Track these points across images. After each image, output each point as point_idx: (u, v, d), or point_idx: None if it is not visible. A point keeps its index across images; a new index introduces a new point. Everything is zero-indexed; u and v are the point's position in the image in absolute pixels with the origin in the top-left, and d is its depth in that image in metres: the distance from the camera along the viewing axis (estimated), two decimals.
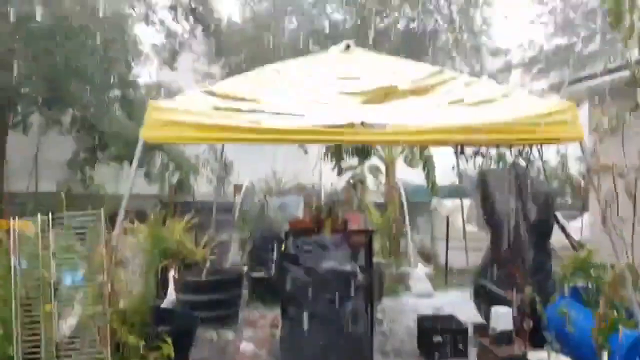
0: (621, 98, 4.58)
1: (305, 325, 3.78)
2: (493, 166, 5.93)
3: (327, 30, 17.12)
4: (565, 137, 3.73)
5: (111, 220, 3.77)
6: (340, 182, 8.92)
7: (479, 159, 6.01)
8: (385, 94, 4.53)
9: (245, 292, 6.41)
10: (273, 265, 5.78)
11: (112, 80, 11.75)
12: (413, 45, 18.21)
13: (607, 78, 5.75)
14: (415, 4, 18.28)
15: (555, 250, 5.07)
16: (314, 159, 9.19)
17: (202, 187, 12.16)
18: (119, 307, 3.68)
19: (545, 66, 19.98)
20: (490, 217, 5.33)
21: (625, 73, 4.21)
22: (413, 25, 18.32)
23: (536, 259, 4.75)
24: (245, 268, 6.86)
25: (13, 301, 3.37)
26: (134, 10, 13.16)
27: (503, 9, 18.33)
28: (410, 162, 8.45)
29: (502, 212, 5.11)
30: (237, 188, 9.64)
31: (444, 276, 7.75)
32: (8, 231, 3.45)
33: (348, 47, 5.43)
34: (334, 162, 8.60)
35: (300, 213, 8.53)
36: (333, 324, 3.85)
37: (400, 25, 18.61)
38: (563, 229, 5.39)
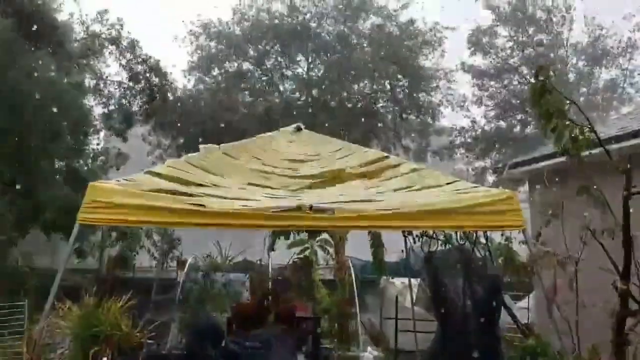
0: (560, 182, 4.85)
1: None
2: (440, 248, 6.02)
3: (280, 107, 17.66)
4: (507, 225, 3.87)
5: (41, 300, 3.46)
6: (289, 256, 8.75)
7: (426, 240, 6.08)
8: (334, 177, 4.61)
9: None
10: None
11: (59, 150, 11.43)
12: (361, 123, 19.07)
13: (544, 163, 6.12)
14: (364, 85, 19.40)
15: (502, 332, 5.07)
16: (261, 234, 9.04)
17: (144, 261, 11.60)
18: None
19: (486, 146, 21.30)
20: (438, 299, 5.31)
21: (562, 159, 4.44)
22: (361, 104, 19.29)
23: (485, 343, 4.71)
24: (185, 353, 6.40)
25: None
26: (84, 82, 13.12)
27: (447, 92, 19.71)
28: None
29: (450, 295, 5.11)
30: (181, 263, 9.24)
31: (394, 359, 7.54)
32: None
33: (299, 129, 5.56)
34: (281, 238, 8.47)
35: (246, 291, 8.23)
36: None
37: (350, 104, 19.53)
38: (510, 311, 5.44)
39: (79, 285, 8.65)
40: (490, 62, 21.05)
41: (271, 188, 4.31)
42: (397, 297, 7.65)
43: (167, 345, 6.66)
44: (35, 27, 11.17)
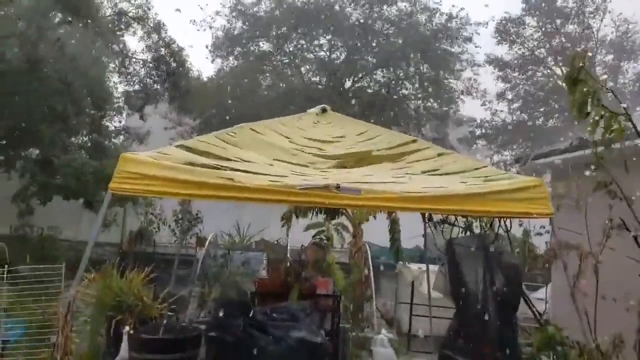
0: (583, 175, 4.80)
1: None
2: (460, 235, 6.03)
3: (301, 90, 17.64)
4: (535, 213, 3.83)
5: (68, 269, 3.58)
6: (306, 238, 8.83)
7: (447, 227, 6.09)
8: (360, 159, 4.63)
9: (202, 352, 6.07)
10: (236, 329, 5.50)
11: (82, 124, 11.66)
12: (382, 109, 18.96)
13: (569, 155, 6.04)
14: (387, 70, 19.21)
15: (519, 322, 5.09)
16: (279, 214, 9.12)
17: (164, 237, 11.82)
18: None
19: (508, 138, 21.04)
20: (456, 286, 5.34)
21: (587, 151, 4.40)
22: (384, 91, 19.15)
23: (503, 332, 4.73)
24: (203, 327, 6.55)
25: None
26: (110, 59, 13.27)
27: (469, 82, 19.42)
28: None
29: (469, 282, 5.13)
30: (200, 241, 9.39)
31: (407, 342, 7.61)
32: None
33: (325, 110, 5.56)
34: (300, 219, 8.54)
35: (263, 270, 8.33)
36: None
37: (372, 90, 19.40)
38: (527, 300, 5.44)
39: (101, 257, 8.90)
40: (516, 52, 20.65)
41: (298, 165, 4.35)
42: (413, 282, 7.69)
43: (186, 318, 6.82)
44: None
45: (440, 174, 4.20)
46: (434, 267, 6.78)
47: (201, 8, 19.89)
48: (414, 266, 8.61)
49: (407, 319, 7.77)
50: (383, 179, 4.11)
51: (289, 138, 4.91)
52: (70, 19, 11.09)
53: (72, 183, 10.42)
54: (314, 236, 8.58)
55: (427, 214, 6.36)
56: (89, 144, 12.47)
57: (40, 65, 10.35)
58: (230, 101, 16.35)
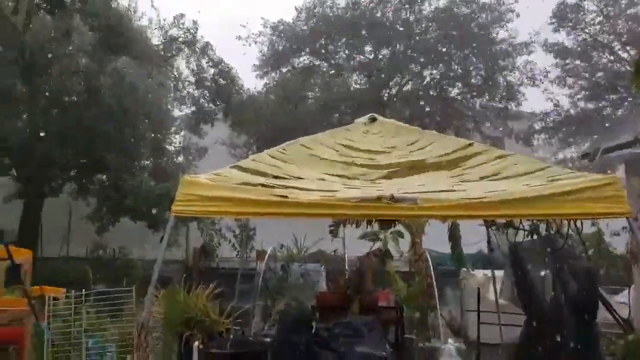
0: None
1: None
2: (526, 239, 5.76)
3: (347, 98, 17.62)
4: (611, 213, 3.57)
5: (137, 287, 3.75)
6: (362, 248, 8.75)
7: (511, 230, 5.83)
8: (413, 168, 4.54)
9: None
10: (299, 346, 5.52)
11: (142, 149, 12.30)
12: (434, 111, 18.52)
13: None
14: (435, 70, 18.77)
15: (599, 329, 4.77)
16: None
17: (225, 252, 12.17)
18: None
19: (573, 131, 19.74)
20: (524, 292, 5.09)
21: None
22: (432, 92, 18.74)
23: (581, 340, 4.45)
24: (268, 340, 6.65)
25: None
26: (164, 85, 13.92)
27: (527, 73, 18.42)
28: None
29: (538, 288, 4.88)
30: (260, 254, 9.56)
31: (476, 352, 7.34)
32: (42, 298, 3.47)
33: (374, 119, 5.51)
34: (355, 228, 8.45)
35: (322, 281, 8.33)
36: None
37: (421, 92, 19.04)
38: (607, 305, 5.10)
39: (167, 274, 9.27)
40: (577, 38, 19.36)
41: (349, 178, 4.33)
42: (478, 289, 7.42)
43: (251, 331, 6.95)
44: (117, 37, 12.04)
45: (501, 179, 4.03)
46: (499, 273, 6.52)
47: (243, 26, 20.43)
48: (479, 273, 8.31)
49: (475, 327, 7.50)
50: (439, 187, 4.00)
51: (338, 151, 4.90)
52: (117, 54, 11.80)
53: (140, 207, 11.14)
54: (371, 246, 8.49)
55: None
56: (151, 166, 13.10)
57: (100, 96, 11.04)
58: (278, 115, 16.61)
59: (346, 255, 8.87)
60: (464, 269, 8.69)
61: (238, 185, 3.98)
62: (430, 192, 3.85)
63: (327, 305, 4.56)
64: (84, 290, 3.36)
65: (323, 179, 4.28)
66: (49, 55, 11.06)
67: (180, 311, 5.91)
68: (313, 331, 3.81)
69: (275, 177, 4.17)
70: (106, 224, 11.99)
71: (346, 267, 8.04)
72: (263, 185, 4.00)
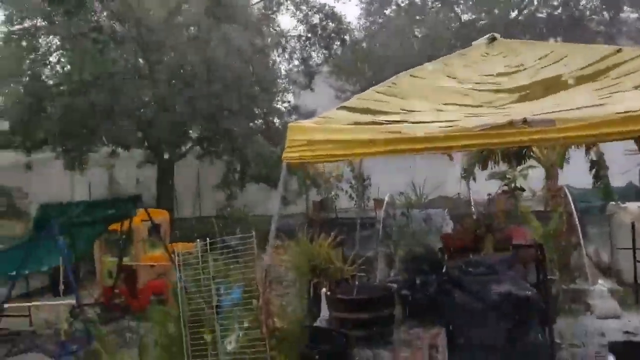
0: None
1: (478, 356, 3.32)
2: None
3: (459, 33, 16.30)
4: None
5: (261, 239, 3.83)
6: (487, 190, 8.14)
7: None
8: (548, 87, 3.93)
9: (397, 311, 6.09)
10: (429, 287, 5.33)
11: (255, 111, 12.75)
12: (562, 33, 16.37)
13: None
14: None
15: None
16: (456, 167, 8.58)
17: (343, 203, 12.31)
18: (275, 327, 3.65)
19: None
20: None
21: None
22: (557, 12, 16.54)
23: None
24: (395, 285, 6.57)
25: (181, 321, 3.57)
26: (269, 42, 14.06)
27: None
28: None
29: None
30: (378, 202, 9.46)
31: (633, 294, 6.53)
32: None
33: (494, 39, 4.89)
34: (479, 169, 7.86)
35: (446, 226, 7.97)
36: (510, 355, 3.33)
37: (543, 14, 16.94)
38: None
39: (290, 226, 9.65)
40: None
41: (472, 106, 3.89)
42: (633, 224, 6.50)
43: (377, 278, 6.94)
44: (220, 4, 12.31)
45: None
46: None
47: None
48: (632, 205, 7.27)
49: (630, 267, 6.63)
50: (582, 104, 3.40)
51: (456, 78, 4.43)
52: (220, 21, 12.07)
53: (262, 171, 11.79)
54: (500, 187, 7.84)
55: None
56: (264, 127, 13.53)
57: (213, 64, 11.51)
58: (384, 59, 15.96)
59: (471, 198, 8.35)
60: (613, 203, 7.66)
61: (346, 126, 3.79)
62: (571, 109, 3.29)
63: (454, 247, 4.26)
64: (207, 239, 3.48)
65: (440, 110, 3.90)
66: (162, 30, 11.73)
67: (306, 259, 6.07)
68: (443, 270, 3.57)
69: (386, 113, 3.89)
70: (234, 192, 12.90)
71: (472, 210, 7.55)
72: (373, 122, 3.75)
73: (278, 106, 14.74)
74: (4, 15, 10.82)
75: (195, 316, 3.60)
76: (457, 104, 3.98)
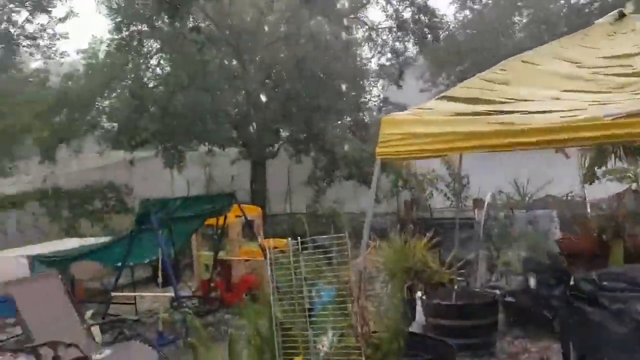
0: None
1: None
2: None
3: (569, 15, 14.86)
4: None
5: (352, 238, 3.62)
6: (600, 190, 7.20)
7: None
8: None
9: (501, 319, 5.59)
10: (553, 300, 4.72)
11: (344, 107, 12.61)
12: None
13: None
14: None
15: None
16: (565, 166, 7.71)
17: (438, 203, 11.74)
18: (370, 332, 3.43)
19: None
20: None
21: None
22: None
23: None
24: (498, 292, 6.04)
25: (273, 322, 3.48)
26: (358, 35, 13.82)
27: None
28: None
29: None
30: (477, 202, 8.84)
31: None
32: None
33: (622, 15, 4.23)
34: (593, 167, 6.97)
35: (554, 228, 7.22)
36: None
37: None
38: None
39: (381, 225, 9.34)
40: None
41: (597, 92, 3.36)
42: None
43: (477, 282, 6.44)
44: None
45: None
46: None
47: None
48: None
49: None
50: None
51: (576, 62, 3.88)
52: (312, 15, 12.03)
53: (352, 169, 11.67)
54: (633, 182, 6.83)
55: None
56: (352, 123, 13.34)
57: (302, 62, 11.54)
58: (480, 50, 14.99)
59: (587, 198, 7.47)
60: None
61: (448, 117, 3.45)
62: None
63: (574, 253, 3.73)
64: (299, 238, 3.33)
65: (558, 98, 3.42)
66: (254, 30, 11.98)
67: (399, 260, 5.78)
68: (571, 282, 3.07)
69: (494, 102, 3.49)
70: (322, 189, 12.89)
71: (588, 210, 6.73)
72: (479, 113, 3.37)
73: (367, 101, 14.47)
74: (114, 23, 11.68)
75: (287, 317, 3.49)
76: (578, 91, 3.47)
